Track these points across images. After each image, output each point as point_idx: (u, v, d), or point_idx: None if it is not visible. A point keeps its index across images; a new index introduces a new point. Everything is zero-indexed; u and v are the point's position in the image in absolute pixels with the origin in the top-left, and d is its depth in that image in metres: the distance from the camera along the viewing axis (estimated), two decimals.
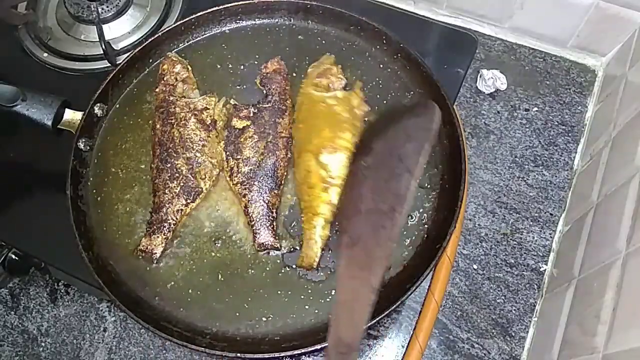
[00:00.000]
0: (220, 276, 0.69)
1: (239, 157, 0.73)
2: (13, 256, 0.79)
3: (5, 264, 0.78)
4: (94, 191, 0.75)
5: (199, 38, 0.86)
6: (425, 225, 0.71)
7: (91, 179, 0.76)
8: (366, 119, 0.75)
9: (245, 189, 0.71)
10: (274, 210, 0.71)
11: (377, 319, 0.62)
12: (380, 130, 0.61)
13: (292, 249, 0.70)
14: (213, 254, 0.70)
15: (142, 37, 0.96)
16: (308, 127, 0.73)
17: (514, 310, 0.78)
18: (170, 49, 0.85)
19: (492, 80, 0.93)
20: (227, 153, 0.74)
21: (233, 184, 0.72)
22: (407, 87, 0.80)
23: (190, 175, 0.72)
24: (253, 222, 0.69)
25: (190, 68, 0.82)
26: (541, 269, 0.81)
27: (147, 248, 0.69)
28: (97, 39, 0.91)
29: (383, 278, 0.51)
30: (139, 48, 0.82)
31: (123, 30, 0.97)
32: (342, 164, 0.69)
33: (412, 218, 0.71)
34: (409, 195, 0.51)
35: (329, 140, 0.70)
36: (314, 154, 0.70)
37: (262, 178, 0.72)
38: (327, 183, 0.68)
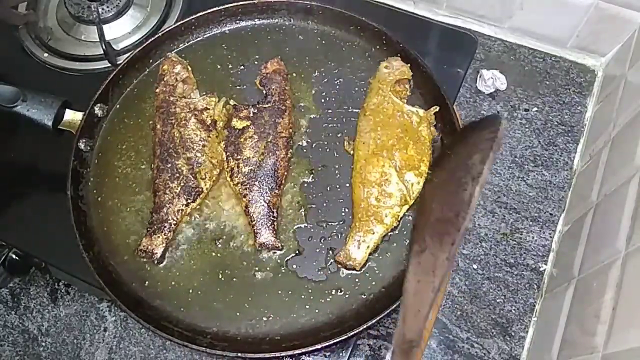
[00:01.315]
0: (220, 276, 0.69)
1: (239, 157, 0.73)
2: (13, 256, 0.79)
3: (6, 264, 0.78)
4: (95, 191, 0.75)
5: (199, 38, 0.86)
6: None
7: (92, 179, 0.76)
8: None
9: (245, 189, 0.71)
10: (275, 210, 0.71)
11: (377, 319, 0.62)
12: (451, 148, 0.66)
13: (297, 252, 0.70)
14: (214, 254, 0.70)
15: (142, 37, 0.96)
16: (386, 131, 0.74)
17: (514, 310, 0.78)
18: (170, 49, 0.85)
19: (491, 80, 0.93)
20: (228, 153, 0.74)
21: (233, 184, 0.72)
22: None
23: (190, 175, 0.72)
24: (254, 222, 0.70)
25: (190, 68, 0.82)
26: (541, 269, 0.81)
27: (147, 248, 0.69)
28: (98, 39, 0.91)
29: (446, 278, 0.55)
30: (139, 48, 0.82)
31: (123, 31, 0.97)
32: (420, 187, 0.72)
33: (412, 216, 0.71)
34: (472, 201, 0.54)
35: (416, 161, 0.73)
36: (395, 166, 0.72)
37: (262, 178, 0.72)
38: (406, 200, 0.71)
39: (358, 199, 0.71)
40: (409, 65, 0.80)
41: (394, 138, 0.74)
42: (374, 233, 0.69)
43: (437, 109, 0.77)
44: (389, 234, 0.71)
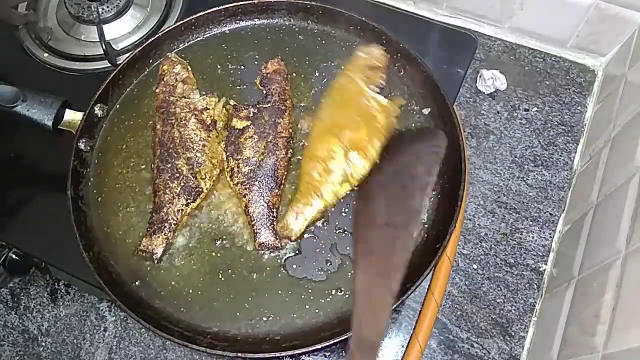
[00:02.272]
0: (220, 276, 0.69)
1: (239, 157, 0.73)
2: (13, 256, 0.79)
3: (6, 264, 0.78)
4: (95, 191, 0.75)
5: (199, 38, 0.86)
6: (425, 225, 0.71)
7: (92, 179, 0.76)
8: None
9: (245, 189, 0.71)
10: (275, 210, 0.71)
11: None
12: (392, 152, 0.68)
13: (297, 252, 0.70)
14: (214, 254, 0.70)
15: (142, 37, 0.97)
16: (343, 111, 0.75)
17: (514, 310, 0.78)
18: (170, 49, 0.85)
19: (491, 80, 0.93)
20: (228, 153, 0.74)
21: (233, 184, 0.72)
22: (407, 87, 0.80)
23: (190, 175, 0.72)
24: (253, 222, 0.70)
25: (190, 68, 0.82)
26: (541, 269, 0.81)
27: (147, 248, 0.69)
28: (98, 39, 0.91)
29: (400, 285, 0.56)
30: (139, 48, 0.82)
31: (123, 31, 0.97)
32: (365, 170, 0.72)
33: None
34: (421, 210, 0.58)
35: (365, 143, 0.72)
36: (343, 145, 0.72)
37: (262, 178, 0.72)
38: (347, 179, 0.71)
39: (303, 173, 0.72)
40: (388, 55, 0.80)
41: (349, 119, 0.74)
42: (312, 206, 0.70)
43: (404, 102, 0.78)
44: None
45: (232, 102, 0.79)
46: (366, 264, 0.56)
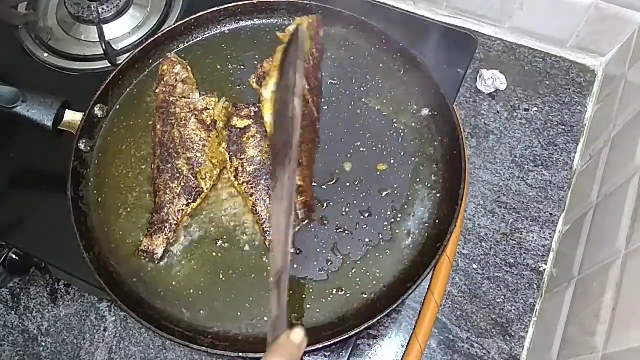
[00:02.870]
0: (221, 276, 0.69)
1: (243, 157, 0.73)
2: (13, 256, 0.79)
3: (6, 264, 0.78)
4: (95, 192, 0.75)
5: (198, 39, 0.86)
6: (426, 225, 0.71)
7: (92, 179, 0.76)
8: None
9: (252, 188, 0.71)
10: None
11: (377, 318, 0.62)
12: (282, 76, 0.65)
13: (298, 251, 0.70)
14: (214, 254, 0.70)
15: (142, 37, 0.97)
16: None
17: (514, 310, 0.78)
18: (170, 49, 0.85)
19: (491, 80, 0.93)
20: (231, 153, 0.74)
21: (239, 184, 0.72)
22: (407, 87, 0.80)
23: (191, 175, 0.72)
24: (263, 221, 0.70)
25: (190, 68, 0.82)
26: (541, 269, 0.81)
27: (148, 248, 0.69)
28: (98, 39, 0.91)
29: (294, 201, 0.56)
30: (139, 49, 0.82)
31: (123, 31, 0.97)
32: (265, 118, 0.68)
33: (412, 216, 0.71)
34: (296, 114, 0.55)
35: None
36: None
37: (268, 176, 0.72)
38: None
39: None
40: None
41: None
42: None
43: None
44: (389, 230, 0.71)
45: (230, 102, 0.79)
46: (273, 197, 0.55)
